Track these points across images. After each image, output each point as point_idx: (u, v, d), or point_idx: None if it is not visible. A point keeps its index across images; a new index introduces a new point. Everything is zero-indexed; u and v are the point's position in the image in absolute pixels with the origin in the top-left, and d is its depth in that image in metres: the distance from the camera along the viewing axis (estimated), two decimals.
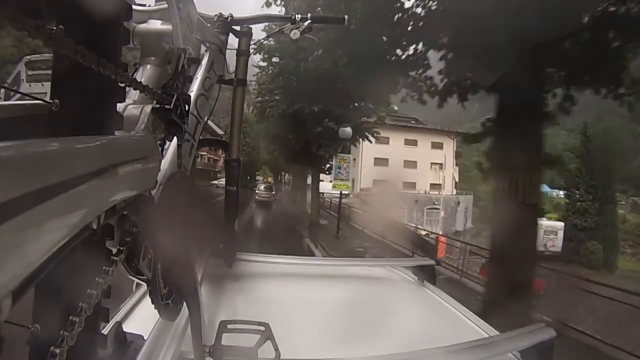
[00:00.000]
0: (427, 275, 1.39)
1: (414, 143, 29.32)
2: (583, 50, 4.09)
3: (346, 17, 1.35)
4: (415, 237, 10.57)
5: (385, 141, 25.59)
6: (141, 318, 0.88)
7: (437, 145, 29.15)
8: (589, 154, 21.88)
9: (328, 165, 15.86)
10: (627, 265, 20.89)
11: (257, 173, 37.11)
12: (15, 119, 0.45)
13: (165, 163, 0.62)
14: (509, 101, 4.45)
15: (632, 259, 22.60)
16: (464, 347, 0.75)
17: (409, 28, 4.98)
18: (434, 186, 28.52)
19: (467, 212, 25.98)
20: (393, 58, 5.32)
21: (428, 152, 29.09)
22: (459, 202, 26.20)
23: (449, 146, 29.14)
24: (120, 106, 0.50)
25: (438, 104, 5.34)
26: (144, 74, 0.60)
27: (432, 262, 1.44)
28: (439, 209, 24.64)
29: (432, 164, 29.67)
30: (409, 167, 28.68)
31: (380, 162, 27.25)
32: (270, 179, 34.74)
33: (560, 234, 20.46)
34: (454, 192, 28.79)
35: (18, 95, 0.60)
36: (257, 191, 22.90)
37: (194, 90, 0.82)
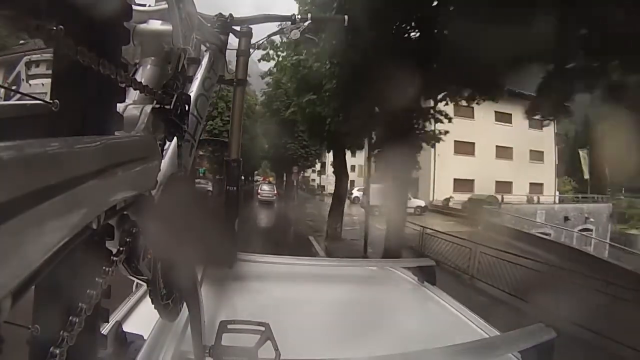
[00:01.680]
0: (427, 275, 1.39)
1: (507, 119, 17.58)
2: None
3: (346, 17, 1.35)
4: None
5: (469, 114, 14.63)
6: (141, 318, 0.88)
7: (535, 124, 16.18)
8: None
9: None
10: None
11: (255, 172, 34.09)
12: (15, 119, 0.45)
13: (165, 163, 0.62)
14: None
15: None
16: (464, 347, 0.75)
17: None
18: (534, 186, 18.07)
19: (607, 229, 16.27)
20: None
21: (525, 133, 17.09)
22: (611, 214, 16.51)
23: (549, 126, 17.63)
24: (120, 106, 0.50)
25: None
26: (144, 74, 0.60)
27: (432, 262, 1.44)
28: (590, 229, 15.08)
29: (531, 151, 17.94)
30: (501, 157, 17.84)
31: (463, 148, 16.56)
32: (271, 179, 32.26)
33: None
34: (556, 195, 18.34)
35: (18, 95, 0.60)
36: (259, 191, 22.34)
37: (194, 90, 0.82)
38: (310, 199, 23.75)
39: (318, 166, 29.06)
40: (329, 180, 30.82)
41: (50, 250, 0.27)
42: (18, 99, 0.53)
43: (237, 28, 1.15)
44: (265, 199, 21.07)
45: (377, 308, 1.18)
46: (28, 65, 0.70)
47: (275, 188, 23.87)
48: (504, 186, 17.48)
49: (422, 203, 15.65)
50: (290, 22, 1.23)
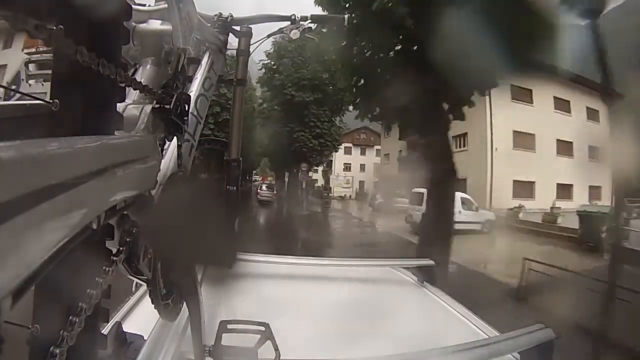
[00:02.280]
0: (427, 275, 1.39)
1: (565, 107, 14.04)
2: None
3: (346, 16, 1.35)
4: None
5: (526, 97, 11.88)
6: (141, 318, 0.88)
7: (593, 115, 13.59)
8: None
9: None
10: None
11: (254, 172, 29.95)
12: (15, 119, 0.45)
13: (165, 163, 0.62)
14: None
15: None
16: (463, 347, 0.75)
17: None
18: (593, 190, 13.97)
19: None
20: None
21: (583, 125, 13.82)
22: None
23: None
24: (120, 106, 0.50)
25: None
26: (144, 74, 0.60)
27: (431, 262, 1.44)
28: None
29: (590, 148, 14.00)
30: (562, 154, 13.99)
31: (522, 141, 12.58)
32: (271, 179, 28.78)
33: None
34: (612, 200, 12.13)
35: (18, 95, 0.60)
36: (259, 191, 21.85)
37: (194, 90, 0.82)
38: (319, 205, 18.44)
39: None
40: (338, 182, 27.96)
41: (50, 250, 0.27)
42: (18, 99, 0.54)
43: (237, 28, 1.15)
44: (264, 199, 20.89)
45: (377, 308, 1.18)
46: (28, 65, 0.70)
47: (275, 189, 23.00)
48: (564, 190, 13.68)
49: (491, 216, 11.37)
50: (290, 22, 1.23)
